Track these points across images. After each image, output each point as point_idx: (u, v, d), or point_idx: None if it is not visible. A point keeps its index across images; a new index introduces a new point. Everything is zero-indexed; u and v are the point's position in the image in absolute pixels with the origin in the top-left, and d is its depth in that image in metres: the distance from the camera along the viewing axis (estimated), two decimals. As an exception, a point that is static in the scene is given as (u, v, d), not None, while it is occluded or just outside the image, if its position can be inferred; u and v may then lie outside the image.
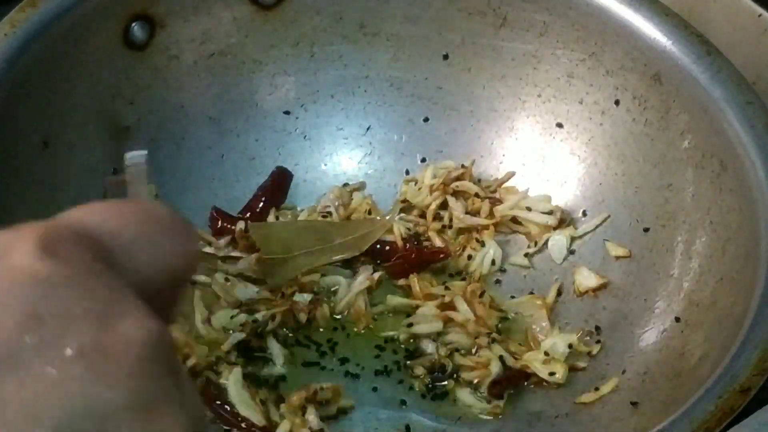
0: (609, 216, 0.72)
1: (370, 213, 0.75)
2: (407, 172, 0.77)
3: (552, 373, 0.66)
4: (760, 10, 0.74)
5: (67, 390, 0.22)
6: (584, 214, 0.73)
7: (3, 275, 0.23)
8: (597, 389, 0.65)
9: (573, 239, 0.73)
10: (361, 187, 0.77)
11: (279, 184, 0.76)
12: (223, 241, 0.72)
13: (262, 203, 0.75)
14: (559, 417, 0.65)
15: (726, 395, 0.53)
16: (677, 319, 0.65)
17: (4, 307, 0.23)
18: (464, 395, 0.66)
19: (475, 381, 0.67)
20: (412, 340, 0.69)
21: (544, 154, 0.75)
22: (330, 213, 0.75)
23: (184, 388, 0.25)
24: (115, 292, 0.24)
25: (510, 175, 0.76)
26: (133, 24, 0.70)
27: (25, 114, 0.65)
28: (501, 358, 0.67)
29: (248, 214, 0.74)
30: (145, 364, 0.23)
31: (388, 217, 0.74)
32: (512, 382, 0.67)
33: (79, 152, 0.69)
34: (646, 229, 0.70)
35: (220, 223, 0.73)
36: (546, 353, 0.68)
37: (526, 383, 0.67)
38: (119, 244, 0.27)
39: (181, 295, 0.30)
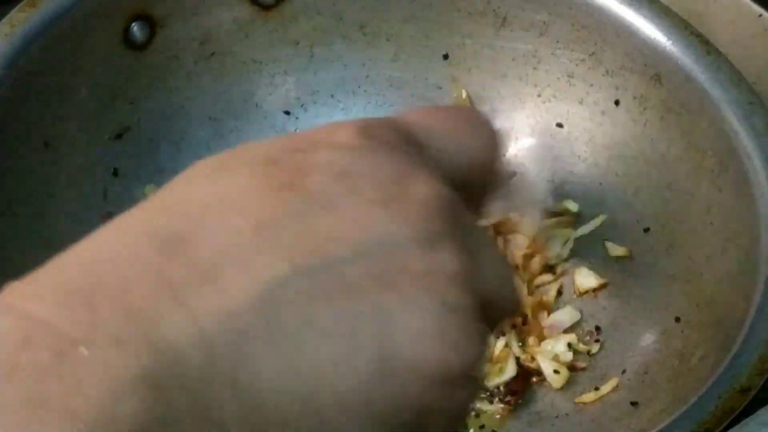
0: (607, 216, 0.72)
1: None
2: (407, 172, 0.77)
3: (556, 371, 0.66)
4: (760, 10, 0.74)
5: (367, 225, 0.27)
6: (581, 214, 0.73)
7: (328, 144, 0.29)
8: (597, 389, 0.65)
9: (573, 240, 0.73)
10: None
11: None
12: None
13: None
14: (559, 417, 0.65)
15: (726, 395, 0.53)
16: (677, 319, 0.65)
17: (326, 164, 0.28)
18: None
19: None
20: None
21: (544, 154, 0.75)
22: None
23: (475, 239, 0.29)
24: (416, 165, 0.30)
25: (510, 175, 0.76)
26: (133, 24, 0.70)
27: (25, 114, 0.65)
28: (518, 360, 0.67)
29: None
30: (433, 211, 0.28)
31: None
32: (523, 383, 0.66)
33: (79, 152, 0.69)
34: (646, 229, 0.70)
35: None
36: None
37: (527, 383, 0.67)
38: (429, 136, 0.31)
39: (489, 190, 0.35)
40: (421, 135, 0.31)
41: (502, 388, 0.66)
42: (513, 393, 0.65)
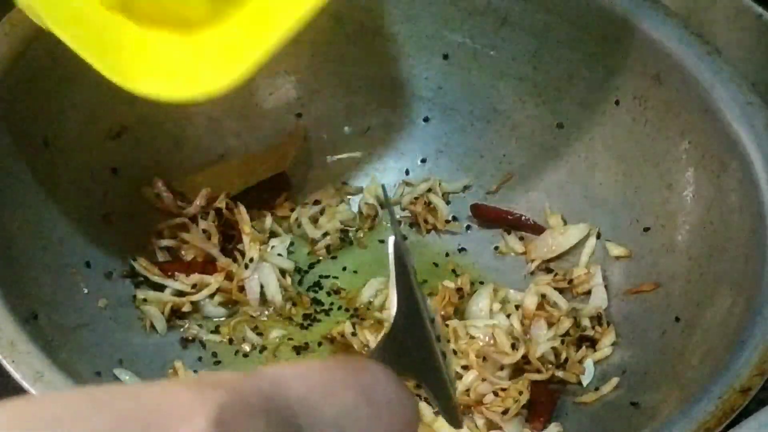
0: (590, 229, 0.72)
1: (360, 215, 0.75)
2: (407, 172, 0.78)
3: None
4: (760, 10, 0.73)
5: None
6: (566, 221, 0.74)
7: None
8: (597, 389, 0.65)
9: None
10: (357, 192, 0.77)
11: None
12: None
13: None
14: (559, 417, 0.65)
15: (726, 395, 0.53)
16: (677, 319, 0.65)
17: None
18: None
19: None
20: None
21: (544, 154, 0.75)
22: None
23: None
24: None
25: (510, 175, 0.76)
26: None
27: (25, 114, 0.65)
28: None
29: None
30: None
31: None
32: (551, 400, 0.66)
33: (79, 152, 0.69)
34: (646, 229, 0.70)
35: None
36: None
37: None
38: (312, 418, 0.23)
39: None
40: (304, 418, 0.23)
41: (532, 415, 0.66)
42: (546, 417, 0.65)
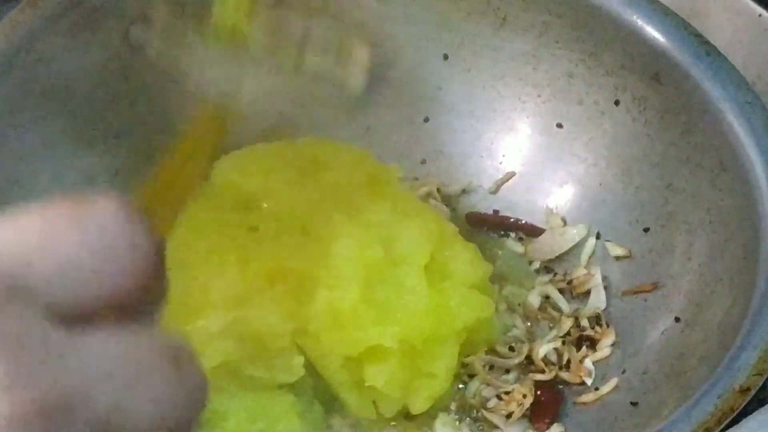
0: (589, 228, 0.72)
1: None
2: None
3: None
4: (760, 10, 0.73)
5: None
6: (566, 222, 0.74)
7: None
8: (597, 389, 0.65)
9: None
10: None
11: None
12: None
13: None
14: (559, 417, 0.65)
15: (726, 395, 0.53)
16: (677, 319, 0.65)
17: None
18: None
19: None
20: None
21: (544, 154, 0.75)
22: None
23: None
24: None
25: (510, 175, 0.76)
26: (133, 24, 0.70)
27: (25, 114, 0.65)
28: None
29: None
30: None
31: None
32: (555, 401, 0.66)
33: (79, 152, 0.69)
34: (646, 229, 0.70)
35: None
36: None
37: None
38: (26, 277, 0.22)
39: (151, 311, 0.24)
40: (19, 277, 0.21)
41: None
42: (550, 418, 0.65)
